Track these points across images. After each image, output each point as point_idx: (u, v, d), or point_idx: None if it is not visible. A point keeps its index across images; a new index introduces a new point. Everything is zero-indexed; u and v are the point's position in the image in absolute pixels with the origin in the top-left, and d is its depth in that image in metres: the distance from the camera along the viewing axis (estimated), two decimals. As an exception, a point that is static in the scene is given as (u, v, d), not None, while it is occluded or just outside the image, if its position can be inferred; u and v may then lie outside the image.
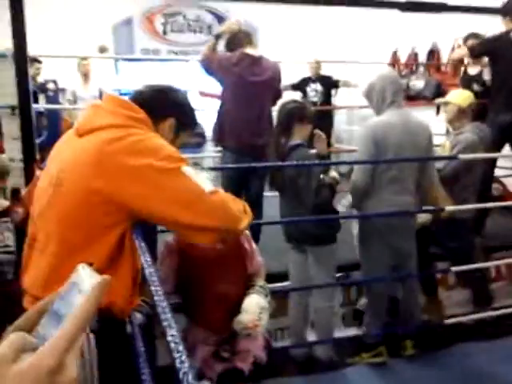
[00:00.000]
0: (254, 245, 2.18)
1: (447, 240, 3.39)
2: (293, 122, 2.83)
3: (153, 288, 1.10)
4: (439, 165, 3.41)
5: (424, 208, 3.12)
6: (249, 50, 3.40)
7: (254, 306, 1.95)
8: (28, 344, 0.48)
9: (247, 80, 3.33)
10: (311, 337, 3.09)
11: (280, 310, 3.26)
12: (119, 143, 1.40)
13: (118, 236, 1.44)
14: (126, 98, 1.64)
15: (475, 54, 4.14)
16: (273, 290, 3.12)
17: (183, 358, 0.83)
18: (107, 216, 1.41)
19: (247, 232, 2.09)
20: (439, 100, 3.85)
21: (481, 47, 4.08)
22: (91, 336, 1.11)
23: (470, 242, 3.54)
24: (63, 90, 6.46)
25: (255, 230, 3.54)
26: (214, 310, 2.00)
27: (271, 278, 3.22)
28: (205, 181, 1.46)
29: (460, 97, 3.53)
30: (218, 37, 3.49)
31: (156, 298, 1.05)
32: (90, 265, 0.57)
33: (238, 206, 1.59)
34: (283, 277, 3.08)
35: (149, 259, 1.25)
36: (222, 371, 2.01)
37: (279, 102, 3.25)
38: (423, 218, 3.23)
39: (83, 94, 6.00)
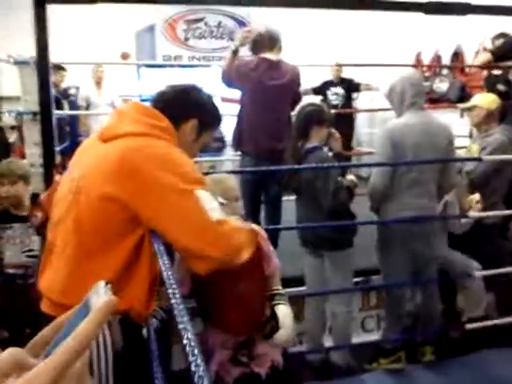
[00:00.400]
0: (270, 246, 2.16)
1: (476, 244, 3.34)
2: (311, 124, 2.83)
3: (170, 291, 1.10)
4: (468, 168, 3.41)
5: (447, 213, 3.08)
6: (267, 55, 3.40)
7: (289, 320, 1.96)
8: (24, 362, 0.45)
9: (266, 84, 3.33)
10: (328, 342, 3.06)
11: (296, 315, 3.24)
12: (141, 152, 1.42)
13: (135, 241, 1.45)
14: (148, 103, 1.66)
15: (499, 56, 4.06)
16: (289, 295, 3.13)
17: (198, 361, 0.83)
18: (124, 223, 1.43)
19: (264, 233, 2.08)
20: (465, 104, 3.80)
21: (502, 49, 4.00)
22: (108, 338, 1.12)
23: (499, 246, 3.49)
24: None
25: (273, 235, 3.53)
26: (233, 312, 1.99)
27: (287, 282, 3.21)
28: (216, 208, 1.46)
29: (487, 100, 3.54)
30: (235, 52, 3.47)
31: (173, 300, 1.04)
32: (107, 283, 0.56)
33: (244, 235, 1.57)
34: (299, 281, 3.06)
35: (166, 262, 1.25)
36: (239, 376, 2.00)
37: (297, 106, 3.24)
38: (464, 222, 3.18)
39: (96, 100, 6.10)
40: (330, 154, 2.91)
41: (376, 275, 3.32)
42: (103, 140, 1.51)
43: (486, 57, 4.25)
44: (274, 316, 1.97)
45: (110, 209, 1.41)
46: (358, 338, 3.24)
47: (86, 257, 1.44)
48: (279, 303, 2.01)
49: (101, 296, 0.54)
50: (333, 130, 2.84)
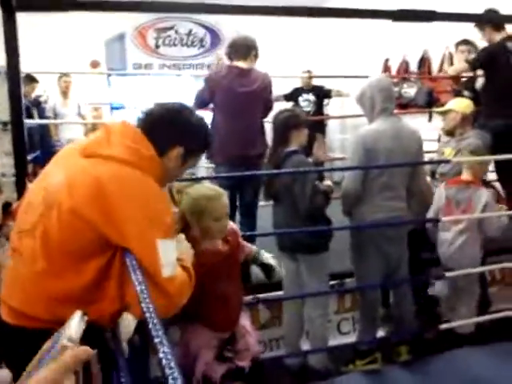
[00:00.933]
0: (244, 242, 2.32)
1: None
2: (289, 130, 2.87)
3: (144, 305, 1.11)
4: (442, 170, 3.52)
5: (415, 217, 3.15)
6: (239, 63, 3.43)
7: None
8: None
9: (236, 91, 3.35)
10: (306, 346, 3.08)
11: (274, 320, 3.26)
12: (121, 187, 1.42)
13: (103, 261, 1.45)
14: (135, 123, 1.61)
15: (476, 67, 4.19)
16: (266, 300, 3.16)
17: (175, 374, 0.83)
18: (92, 243, 1.43)
19: (238, 231, 2.22)
20: (441, 108, 3.91)
21: (481, 60, 4.12)
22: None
23: None
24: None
25: (249, 241, 3.54)
26: (218, 311, 2.07)
27: (265, 287, 3.24)
28: (171, 263, 1.46)
29: (462, 105, 3.67)
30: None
31: (147, 314, 1.05)
32: (85, 314, 0.57)
33: (187, 288, 1.55)
34: (277, 286, 3.08)
35: (140, 277, 1.26)
36: (225, 372, 2.07)
37: (272, 114, 3.26)
38: (499, 225, 3.19)
39: (63, 111, 6.01)
40: (310, 159, 2.96)
41: (350, 278, 3.36)
42: (84, 155, 1.49)
43: (462, 67, 4.35)
44: (265, 266, 2.34)
45: (80, 226, 1.41)
46: (334, 341, 3.27)
47: (57, 272, 1.43)
48: (262, 256, 2.36)
49: (72, 329, 0.54)
50: (320, 138, 2.91)
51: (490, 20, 4.07)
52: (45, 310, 1.42)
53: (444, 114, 3.70)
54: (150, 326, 1.01)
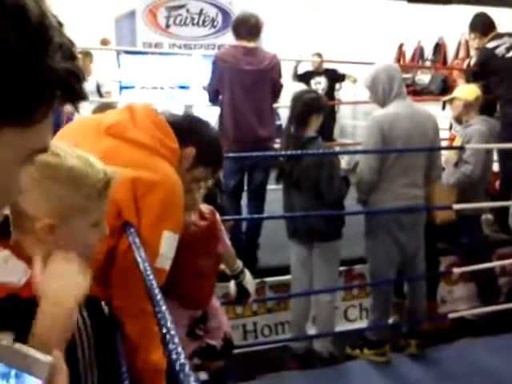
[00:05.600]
0: (222, 227, 2.22)
1: (457, 236, 3.38)
2: (311, 112, 2.79)
3: (147, 282, 1.14)
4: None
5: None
6: (243, 43, 3.35)
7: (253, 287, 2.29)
8: None
9: (242, 68, 3.26)
10: (312, 331, 3.05)
11: (280, 304, 3.24)
12: (147, 170, 1.43)
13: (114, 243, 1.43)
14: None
15: (477, 80, 4.10)
16: (274, 284, 3.13)
17: (179, 349, 0.85)
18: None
19: (218, 215, 2.15)
20: (446, 97, 3.84)
21: (479, 76, 4.07)
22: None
23: (480, 238, 3.52)
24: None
25: (257, 224, 3.50)
26: (193, 288, 2.04)
27: (272, 271, 3.21)
28: (168, 258, 1.48)
29: (466, 91, 3.59)
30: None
31: (151, 290, 1.09)
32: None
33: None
34: (284, 271, 3.05)
35: (143, 254, 1.27)
36: (196, 349, 2.07)
37: (292, 93, 3.13)
38: (444, 213, 3.19)
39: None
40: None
41: (359, 264, 3.33)
42: (109, 134, 1.47)
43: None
44: (242, 289, 2.23)
45: None
46: (341, 327, 3.24)
47: None
48: (245, 278, 2.23)
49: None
50: None
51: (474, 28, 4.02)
52: None
53: (450, 102, 3.64)
54: (154, 301, 1.04)
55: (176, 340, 0.87)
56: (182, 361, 0.81)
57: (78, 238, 1.00)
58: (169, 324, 0.93)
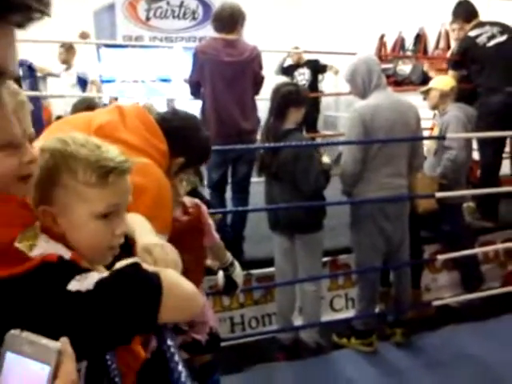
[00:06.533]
0: (210, 220, 2.18)
1: (439, 224, 3.42)
2: (289, 105, 2.77)
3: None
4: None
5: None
6: (223, 35, 3.32)
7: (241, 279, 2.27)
8: None
9: (222, 60, 3.24)
10: (298, 322, 3.06)
11: (266, 296, 3.24)
12: (140, 172, 1.40)
13: None
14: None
15: (458, 68, 4.13)
16: (261, 276, 3.13)
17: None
18: None
19: (205, 207, 2.13)
20: (423, 88, 3.87)
21: (460, 64, 4.09)
22: None
23: (462, 225, 3.57)
24: (44, 78, 6.33)
25: (242, 217, 3.50)
26: None
27: (257, 263, 3.21)
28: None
29: (442, 82, 3.65)
30: None
31: None
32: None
33: None
34: (270, 262, 3.05)
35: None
36: (181, 343, 2.04)
37: (272, 86, 3.12)
38: (427, 202, 3.21)
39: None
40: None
41: (343, 254, 3.35)
42: (99, 134, 1.41)
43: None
44: (230, 281, 2.20)
45: None
46: (327, 317, 3.26)
47: None
48: (234, 270, 2.20)
49: None
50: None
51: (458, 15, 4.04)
52: None
53: (426, 93, 3.67)
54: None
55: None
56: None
57: (79, 229, 0.91)
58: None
